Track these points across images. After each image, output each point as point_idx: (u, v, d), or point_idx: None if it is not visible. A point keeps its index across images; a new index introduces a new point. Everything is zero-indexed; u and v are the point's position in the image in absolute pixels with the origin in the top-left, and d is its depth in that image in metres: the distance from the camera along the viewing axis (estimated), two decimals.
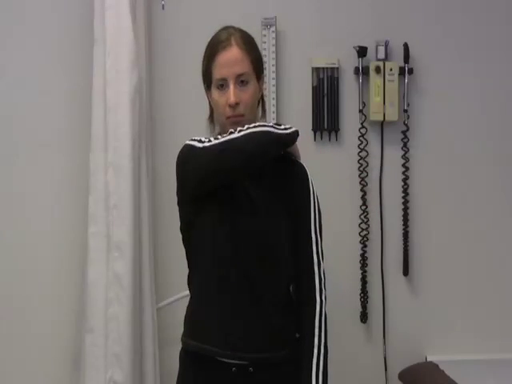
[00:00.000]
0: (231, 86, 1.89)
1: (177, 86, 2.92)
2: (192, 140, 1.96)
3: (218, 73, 1.91)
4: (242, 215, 1.91)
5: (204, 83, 1.99)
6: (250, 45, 1.95)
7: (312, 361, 1.89)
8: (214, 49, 1.93)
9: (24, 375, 2.89)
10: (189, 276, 2.03)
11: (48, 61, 2.89)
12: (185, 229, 1.99)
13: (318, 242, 1.97)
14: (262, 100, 2.04)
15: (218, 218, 1.91)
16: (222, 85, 1.91)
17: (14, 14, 2.89)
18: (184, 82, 2.91)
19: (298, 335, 1.98)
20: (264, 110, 2.07)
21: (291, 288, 1.98)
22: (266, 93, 2.82)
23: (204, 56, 1.97)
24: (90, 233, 2.71)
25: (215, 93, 1.93)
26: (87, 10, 2.78)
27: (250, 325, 1.90)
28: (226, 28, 1.98)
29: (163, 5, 2.90)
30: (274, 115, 2.89)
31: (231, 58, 1.90)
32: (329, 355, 1.93)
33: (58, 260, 2.89)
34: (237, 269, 1.90)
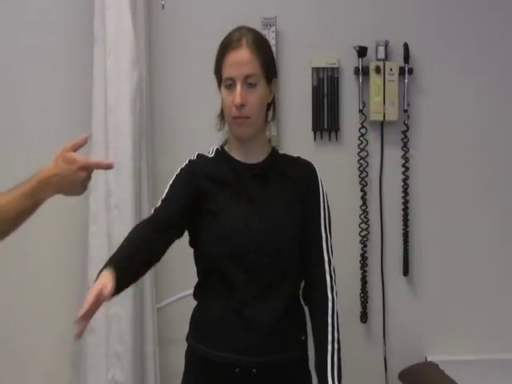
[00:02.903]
0: (238, 87, 1.88)
1: (177, 85, 2.92)
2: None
3: (226, 72, 1.91)
4: (247, 220, 1.91)
5: (216, 80, 1.99)
6: (261, 47, 1.93)
7: (327, 357, 1.89)
8: (225, 48, 1.93)
9: (24, 375, 2.89)
10: (197, 285, 2.02)
11: (48, 61, 2.89)
12: (193, 242, 1.99)
13: (327, 239, 1.98)
14: (273, 104, 2.02)
15: (223, 225, 1.91)
16: (231, 84, 1.90)
17: (13, 14, 2.89)
18: (184, 81, 2.91)
19: (303, 337, 1.98)
20: (274, 115, 2.05)
21: (300, 292, 1.98)
22: None
23: (217, 54, 1.96)
24: (91, 232, 2.72)
25: (224, 91, 1.93)
26: (87, 9, 2.78)
27: (256, 329, 1.89)
28: (239, 28, 1.97)
29: (163, 5, 2.89)
30: None
31: (240, 58, 1.89)
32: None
33: (58, 260, 2.89)
34: (244, 273, 1.89)
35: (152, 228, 1.88)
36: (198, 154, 2.02)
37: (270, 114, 2.02)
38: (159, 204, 1.95)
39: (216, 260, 1.91)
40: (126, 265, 1.75)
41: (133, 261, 1.79)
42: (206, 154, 2.02)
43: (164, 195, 1.96)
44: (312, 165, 2.04)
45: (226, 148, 2.02)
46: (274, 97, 2.01)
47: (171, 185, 1.97)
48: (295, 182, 1.98)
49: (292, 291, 1.96)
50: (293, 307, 1.96)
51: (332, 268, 1.97)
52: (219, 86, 1.96)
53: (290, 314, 1.94)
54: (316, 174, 2.02)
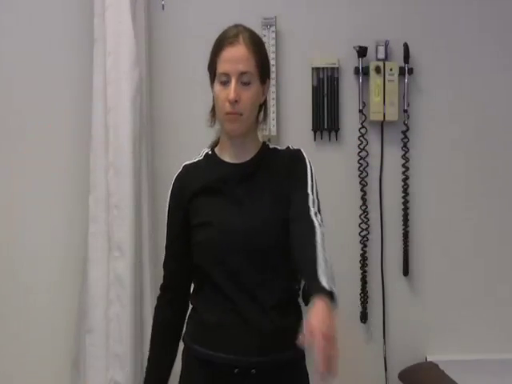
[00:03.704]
0: (233, 82, 1.88)
1: (177, 85, 2.92)
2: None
3: (221, 67, 1.90)
4: (232, 224, 1.91)
5: (209, 76, 1.98)
6: (257, 46, 1.93)
7: (317, 266, 1.71)
8: (220, 43, 1.92)
9: (24, 375, 2.89)
10: (193, 289, 2.03)
11: (48, 61, 2.89)
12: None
13: (314, 200, 1.90)
14: (264, 105, 2.02)
15: (209, 232, 1.92)
16: (225, 80, 1.90)
17: (13, 14, 2.89)
18: (184, 81, 2.91)
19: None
20: (265, 116, 2.05)
21: (300, 292, 1.98)
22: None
23: (211, 50, 1.96)
24: (91, 233, 2.72)
25: (217, 87, 1.92)
26: (87, 9, 2.78)
27: (253, 329, 1.89)
28: (236, 26, 1.96)
29: (163, 5, 2.90)
30: (274, 115, 2.89)
31: (236, 54, 1.89)
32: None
33: (58, 260, 2.89)
34: (234, 276, 1.89)
35: (170, 301, 2.04)
36: (185, 166, 2.02)
37: (262, 115, 2.02)
38: (164, 257, 2.05)
39: (204, 266, 1.93)
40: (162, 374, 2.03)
41: (164, 359, 2.04)
42: (194, 161, 2.01)
43: (166, 239, 2.04)
44: (299, 150, 2.01)
45: (216, 150, 2.01)
46: (266, 98, 2.01)
47: (167, 225, 2.04)
48: (283, 172, 1.95)
49: (286, 289, 1.95)
50: (289, 305, 1.95)
51: (319, 219, 1.85)
52: (212, 81, 1.96)
53: (286, 311, 1.93)
54: (303, 157, 1.98)
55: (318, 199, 1.93)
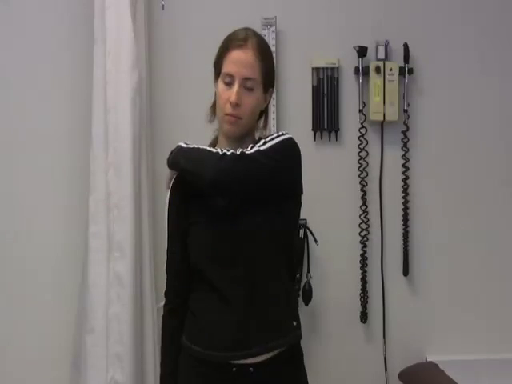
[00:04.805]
0: (236, 86, 1.89)
1: (176, 85, 2.92)
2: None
3: (227, 67, 1.92)
4: (220, 219, 1.92)
5: (214, 72, 1.99)
6: (265, 54, 1.94)
7: None
8: (229, 43, 1.93)
9: (24, 375, 2.89)
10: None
11: (48, 61, 2.90)
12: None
13: (261, 146, 1.90)
14: (265, 113, 2.03)
15: (200, 231, 1.94)
16: (229, 81, 1.91)
17: (13, 14, 2.89)
18: (184, 81, 2.91)
19: (295, 323, 1.98)
20: (266, 124, 2.06)
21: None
22: None
23: (219, 48, 1.97)
24: (91, 233, 2.71)
25: (221, 85, 1.94)
26: (87, 9, 2.78)
27: (248, 323, 1.89)
28: (246, 29, 1.97)
29: (163, 5, 2.90)
30: (274, 115, 2.89)
31: (243, 58, 1.90)
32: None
33: (58, 260, 2.89)
34: (223, 270, 1.91)
35: (176, 308, 2.02)
36: None
37: (261, 122, 2.02)
38: (166, 260, 2.04)
39: (197, 265, 1.94)
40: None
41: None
42: None
43: (167, 243, 2.03)
44: (281, 131, 1.99)
45: None
46: (267, 106, 2.02)
47: (168, 228, 2.03)
48: None
49: (278, 281, 1.95)
50: (282, 297, 1.95)
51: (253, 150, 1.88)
52: (216, 78, 1.97)
53: (280, 304, 1.94)
54: (278, 132, 1.97)
55: (268, 149, 1.89)
